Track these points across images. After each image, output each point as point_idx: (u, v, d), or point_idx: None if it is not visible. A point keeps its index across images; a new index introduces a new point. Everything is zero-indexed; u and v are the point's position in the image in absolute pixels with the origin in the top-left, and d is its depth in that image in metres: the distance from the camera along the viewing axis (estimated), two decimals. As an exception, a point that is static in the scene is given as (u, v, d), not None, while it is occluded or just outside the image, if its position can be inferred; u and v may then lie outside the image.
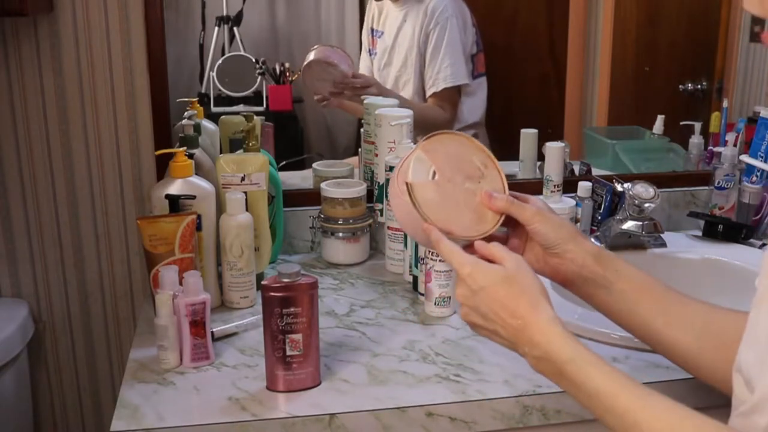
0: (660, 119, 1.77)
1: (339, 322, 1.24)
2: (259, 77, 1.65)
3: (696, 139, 1.77)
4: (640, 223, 1.44)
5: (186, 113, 1.42)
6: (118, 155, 1.48)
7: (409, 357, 1.12)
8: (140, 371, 1.08)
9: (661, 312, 0.90)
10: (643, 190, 1.43)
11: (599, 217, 1.54)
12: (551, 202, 1.42)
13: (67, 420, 1.61)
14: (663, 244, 1.49)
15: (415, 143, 1.37)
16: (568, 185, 1.52)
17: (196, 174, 1.24)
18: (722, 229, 1.54)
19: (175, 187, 1.20)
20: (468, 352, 1.13)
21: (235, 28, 1.63)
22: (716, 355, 0.86)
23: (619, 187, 1.51)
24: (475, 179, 0.92)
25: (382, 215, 1.48)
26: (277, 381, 1.01)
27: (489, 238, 0.89)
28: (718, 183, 1.60)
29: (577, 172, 1.68)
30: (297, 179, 1.64)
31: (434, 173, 0.90)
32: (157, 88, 1.44)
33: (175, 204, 1.19)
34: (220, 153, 1.44)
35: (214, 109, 1.63)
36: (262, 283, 1.00)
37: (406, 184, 0.89)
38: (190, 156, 1.27)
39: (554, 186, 1.48)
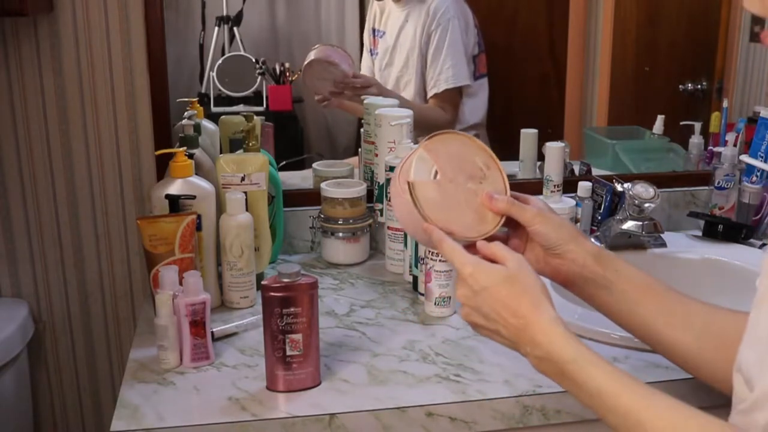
0: (660, 119, 1.77)
1: (339, 322, 1.24)
2: (259, 77, 1.65)
3: (696, 139, 1.77)
4: (640, 223, 1.44)
5: (186, 113, 1.42)
6: (118, 155, 1.48)
7: (409, 357, 1.12)
8: (140, 371, 1.08)
9: (662, 312, 0.90)
10: (643, 190, 1.43)
11: (599, 217, 1.54)
12: (551, 202, 1.42)
13: (67, 420, 1.61)
14: (663, 244, 1.49)
15: (415, 144, 1.37)
16: (568, 185, 1.52)
17: (196, 174, 1.24)
18: (722, 229, 1.54)
19: (175, 187, 1.20)
20: (468, 352, 1.13)
21: (235, 28, 1.63)
22: (716, 355, 0.86)
23: (619, 187, 1.51)
24: (477, 179, 0.92)
25: (382, 215, 1.48)
26: (277, 381, 1.01)
27: (490, 238, 0.89)
28: (718, 183, 1.60)
29: (577, 172, 1.68)
30: (297, 179, 1.64)
31: (436, 173, 0.91)
32: (157, 88, 1.44)
33: (175, 204, 1.19)
34: (220, 153, 1.44)
35: (214, 109, 1.63)
36: (262, 283, 1.00)
37: (408, 183, 0.89)
38: (190, 156, 1.27)
39: (554, 186, 1.48)
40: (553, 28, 1.80)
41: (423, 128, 1.47)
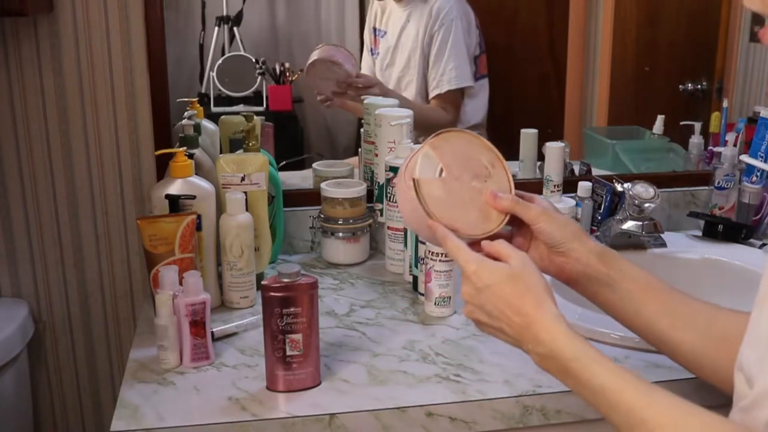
0: (660, 119, 1.77)
1: (339, 322, 1.24)
2: (259, 77, 1.65)
3: (696, 139, 1.77)
4: (640, 223, 1.44)
5: (186, 113, 1.42)
6: (118, 155, 1.48)
7: (409, 357, 1.12)
8: (140, 371, 1.08)
9: (665, 311, 0.91)
10: (643, 190, 1.44)
11: (599, 217, 1.54)
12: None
13: (67, 420, 1.61)
14: (663, 244, 1.49)
15: (415, 144, 1.37)
16: (568, 185, 1.52)
17: (196, 174, 1.24)
18: (722, 229, 1.54)
19: (175, 187, 1.20)
20: (468, 352, 1.13)
21: (235, 28, 1.63)
22: (719, 354, 0.86)
23: (619, 187, 1.51)
24: (482, 178, 0.92)
25: (382, 215, 1.48)
26: (277, 381, 1.01)
27: (494, 236, 0.90)
28: (718, 183, 1.60)
29: (577, 172, 1.68)
30: (297, 179, 1.64)
31: (441, 170, 0.91)
32: (157, 88, 1.44)
33: (175, 204, 1.19)
34: (220, 153, 1.44)
35: (214, 109, 1.63)
36: (262, 283, 1.00)
37: (413, 180, 0.89)
38: (190, 156, 1.27)
39: (554, 186, 1.48)
40: (553, 28, 1.80)
41: (424, 129, 1.47)
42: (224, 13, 1.62)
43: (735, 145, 1.62)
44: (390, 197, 1.41)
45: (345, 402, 0.99)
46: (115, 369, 1.59)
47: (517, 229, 0.95)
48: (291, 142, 1.70)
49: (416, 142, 1.41)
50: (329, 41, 1.68)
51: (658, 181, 1.49)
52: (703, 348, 0.88)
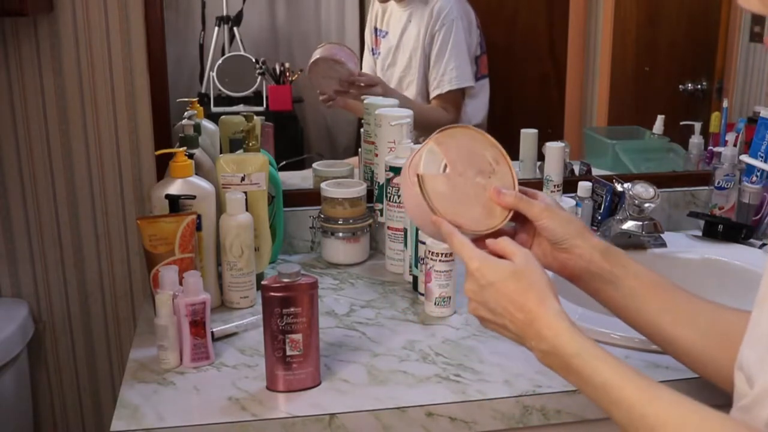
0: (660, 119, 1.77)
1: (339, 322, 1.24)
2: (259, 77, 1.65)
3: (696, 139, 1.77)
4: (640, 223, 1.45)
5: (186, 113, 1.42)
6: (118, 155, 1.48)
7: (409, 357, 1.12)
8: (140, 371, 1.08)
9: (668, 309, 0.91)
10: (643, 190, 1.44)
11: (599, 217, 1.54)
12: (551, 202, 1.42)
13: (67, 420, 1.61)
14: (663, 244, 1.49)
15: (415, 144, 1.37)
16: (568, 185, 1.52)
17: (196, 174, 1.24)
18: (722, 229, 1.54)
19: (175, 187, 1.20)
20: (468, 352, 1.13)
21: (235, 28, 1.63)
22: (721, 353, 0.86)
23: (619, 187, 1.51)
24: (486, 174, 0.93)
25: (382, 215, 1.48)
26: (277, 381, 1.01)
27: (498, 233, 0.90)
28: (718, 183, 1.60)
29: (577, 172, 1.68)
30: (297, 179, 1.64)
31: (445, 166, 0.91)
32: (157, 88, 1.44)
33: (175, 204, 1.19)
34: (220, 153, 1.44)
35: (214, 109, 1.63)
36: (262, 283, 1.00)
37: (417, 175, 0.89)
38: (190, 156, 1.27)
39: (554, 186, 1.48)
40: (553, 28, 1.80)
41: (425, 129, 1.47)
42: (224, 13, 1.62)
43: (735, 145, 1.62)
44: (390, 197, 1.41)
45: (345, 402, 0.99)
46: (115, 369, 1.59)
47: (520, 225, 0.96)
48: (291, 142, 1.70)
49: (416, 142, 1.41)
50: (329, 41, 1.68)
51: (658, 181, 1.49)
52: (705, 346, 0.88)
